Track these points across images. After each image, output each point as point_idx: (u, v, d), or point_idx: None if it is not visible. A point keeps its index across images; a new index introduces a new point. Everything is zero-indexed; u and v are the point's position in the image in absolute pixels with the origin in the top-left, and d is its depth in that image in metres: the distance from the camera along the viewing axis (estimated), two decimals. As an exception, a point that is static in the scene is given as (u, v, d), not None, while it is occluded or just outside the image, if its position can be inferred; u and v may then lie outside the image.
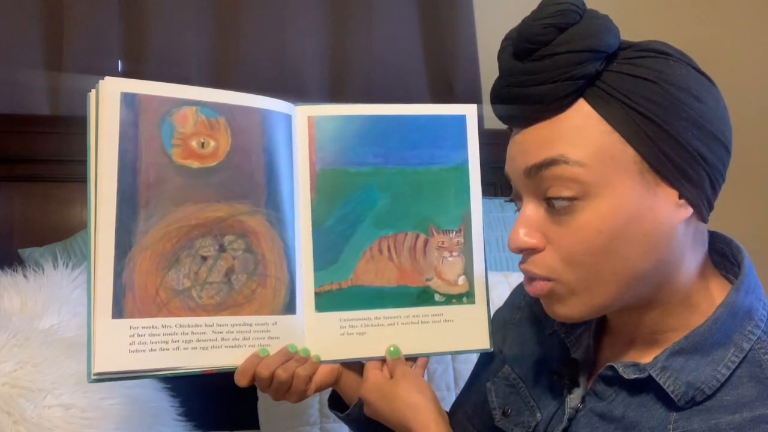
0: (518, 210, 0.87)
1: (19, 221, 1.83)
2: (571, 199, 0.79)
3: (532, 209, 0.84)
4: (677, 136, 0.77)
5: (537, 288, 0.85)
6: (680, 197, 0.79)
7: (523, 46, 0.81)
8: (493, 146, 2.11)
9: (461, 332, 1.11)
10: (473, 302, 1.12)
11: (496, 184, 2.15)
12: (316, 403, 1.53)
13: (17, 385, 1.22)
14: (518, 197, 0.87)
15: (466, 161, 1.13)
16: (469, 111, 1.15)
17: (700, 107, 0.78)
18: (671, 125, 0.77)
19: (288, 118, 1.08)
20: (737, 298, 0.83)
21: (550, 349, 0.99)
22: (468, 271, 1.12)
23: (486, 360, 1.12)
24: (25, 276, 1.55)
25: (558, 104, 0.80)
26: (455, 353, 1.17)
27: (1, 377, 1.22)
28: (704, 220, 0.83)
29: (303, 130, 1.09)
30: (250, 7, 2.09)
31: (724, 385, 0.79)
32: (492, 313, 1.14)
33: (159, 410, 1.44)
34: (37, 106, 1.95)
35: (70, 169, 1.81)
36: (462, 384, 1.48)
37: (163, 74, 1.98)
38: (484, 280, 1.13)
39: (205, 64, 2.08)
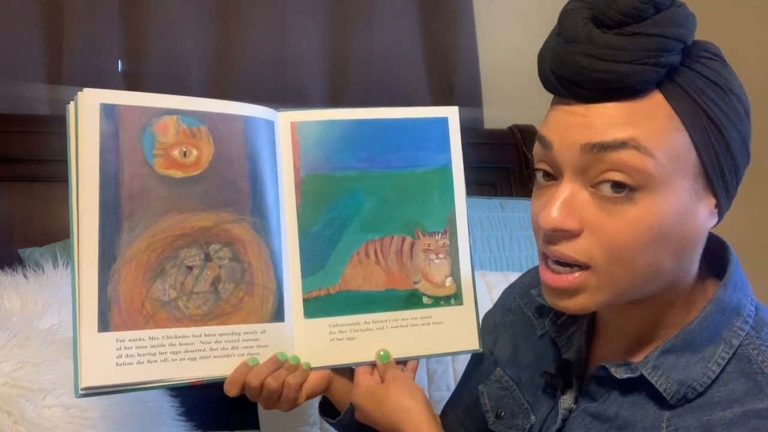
0: (539, 182, 0.80)
1: (19, 221, 1.79)
2: (629, 188, 0.73)
3: (571, 189, 0.76)
4: (732, 147, 0.74)
5: (569, 281, 0.77)
6: (716, 206, 0.77)
7: (613, 15, 0.71)
8: (493, 146, 2.09)
9: (450, 334, 1.09)
10: (461, 303, 1.10)
11: (496, 184, 2.11)
12: (316, 403, 1.48)
13: (17, 385, 1.20)
14: (551, 168, 0.78)
15: (450, 163, 1.10)
16: (450, 113, 1.12)
17: (748, 120, 0.76)
18: (730, 135, 0.74)
19: (270, 125, 1.05)
20: (725, 295, 0.80)
21: (542, 351, 0.97)
22: (455, 273, 1.10)
23: (477, 362, 1.10)
24: (25, 276, 1.52)
25: (636, 88, 0.72)
26: (445, 355, 1.14)
27: (1, 377, 1.19)
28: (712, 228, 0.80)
29: (286, 136, 1.06)
30: (251, 7, 2.05)
31: (715, 381, 0.77)
32: (481, 314, 1.12)
33: (159, 410, 1.41)
34: (37, 106, 1.91)
35: (70, 169, 1.78)
36: (462, 384, 1.47)
37: (162, 74, 1.95)
38: (471, 281, 1.10)
39: (205, 65, 2.04)
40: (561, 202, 0.75)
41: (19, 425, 1.15)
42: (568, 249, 0.76)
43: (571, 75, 0.73)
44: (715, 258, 0.86)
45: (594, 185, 0.74)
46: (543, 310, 0.97)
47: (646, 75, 0.71)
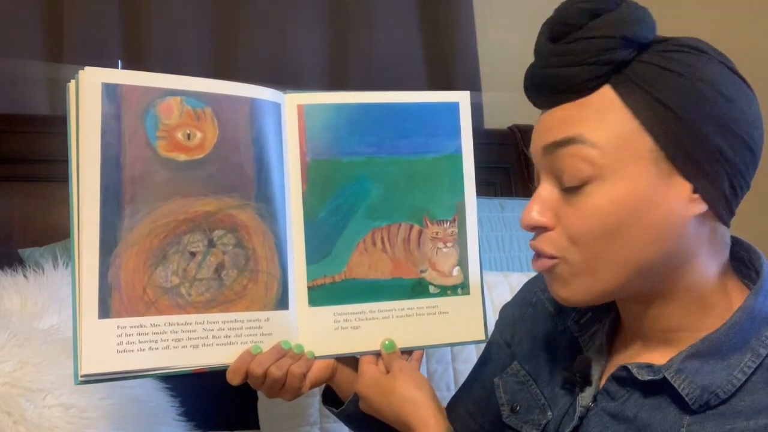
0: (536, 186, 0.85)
1: (19, 221, 1.76)
2: (583, 180, 0.77)
3: (547, 188, 0.81)
4: (697, 130, 0.74)
5: (540, 264, 0.83)
6: (694, 191, 0.76)
7: (557, 28, 0.79)
8: (493, 146, 2.07)
9: (456, 324, 1.07)
10: (468, 293, 1.07)
11: (496, 183, 2.10)
12: (316, 402, 1.48)
13: (17, 385, 1.17)
14: (538, 179, 0.84)
15: (460, 149, 1.08)
16: (462, 98, 1.09)
17: (728, 106, 0.75)
18: (693, 119, 0.74)
19: (277, 107, 1.02)
20: (756, 303, 0.79)
21: (561, 348, 0.95)
22: (462, 262, 1.07)
23: (491, 354, 1.07)
24: (25, 276, 1.49)
25: (583, 87, 0.77)
26: (450, 345, 1.12)
27: (1, 377, 1.17)
28: (723, 221, 0.78)
29: (293, 120, 1.03)
30: (250, 6, 2.04)
31: (740, 390, 0.76)
32: (486, 304, 1.09)
33: (159, 410, 1.38)
34: (37, 106, 1.89)
35: (70, 169, 1.76)
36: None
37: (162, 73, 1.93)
38: (478, 270, 1.08)
39: (205, 64, 2.02)
40: (534, 201, 0.82)
41: (19, 425, 1.13)
42: (539, 242, 0.82)
43: (534, 87, 0.82)
44: (744, 264, 0.85)
45: (559, 182, 0.80)
46: (564, 307, 0.95)
47: (589, 73, 0.76)
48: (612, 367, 0.86)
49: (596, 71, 0.76)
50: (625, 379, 0.82)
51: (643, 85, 0.75)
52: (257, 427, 1.54)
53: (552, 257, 0.81)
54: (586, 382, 0.87)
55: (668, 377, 0.77)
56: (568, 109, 0.79)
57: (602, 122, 0.76)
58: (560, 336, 0.95)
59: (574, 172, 0.77)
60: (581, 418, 0.85)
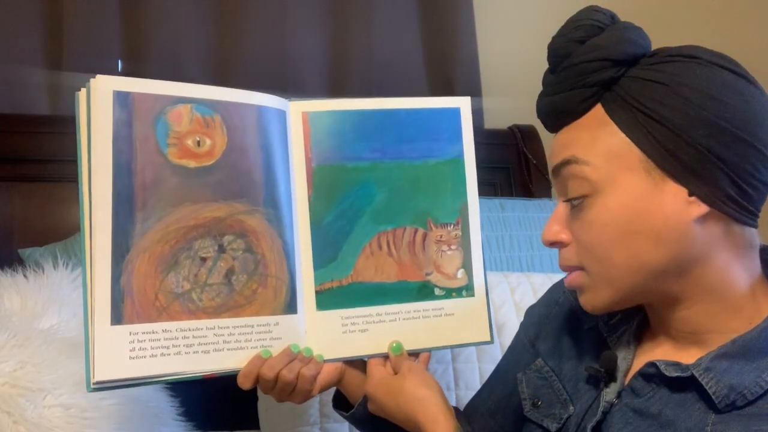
0: None
1: (19, 221, 1.74)
2: (582, 196, 0.81)
3: (562, 206, 0.86)
4: (684, 135, 0.76)
5: (569, 280, 0.87)
6: (690, 194, 0.77)
7: (551, 60, 0.85)
8: (493, 146, 2.06)
9: (462, 326, 1.07)
10: (472, 295, 1.08)
11: (496, 183, 2.09)
12: (316, 403, 1.47)
13: (17, 385, 1.17)
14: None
15: (462, 154, 1.08)
16: (463, 104, 1.10)
17: (717, 107, 0.76)
18: (678, 125, 0.76)
19: (282, 114, 1.02)
20: None
21: (587, 345, 0.95)
22: (467, 264, 1.08)
23: (512, 355, 1.08)
24: (25, 276, 1.48)
25: (575, 110, 0.83)
26: (457, 347, 1.13)
27: (1, 377, 1.16)
28: (741, 221, 0.79)
29: (297, 126, 1.03)
30: (251, 7, 2.02)
31: (767, 393, 0.75)
32: (491, 305, 1.10)
33: (159, 410, 1.37)
34: (37, 106, 1.87)
35: (70, 169, 1.69)
36: (462, 384, 1.46)
37: (163, 74, 1.89)
38: (482, 272, 1.08)
39: (205, 64, 2.01)
40: (551, 219, 0.87)
41: (19, 425, 1.12)
42: (562, 257, 0.87)
43: (541, 116, 0.88)
44: None
45: (568, 200, 0.85)
46: None
47: (576, 97, 0.82)
48: (638, 365, 0.87)
49: (585, 93, 0.81)
50: (651, 375, 0.82)
51: (628, 99, 0.79)
52: (257, 427, 1.53)
53: (577, 268, 0.85)
54: (611, 378, 0.88)
55: (696, 375, 0.77)
56: (566, 132, 0.84)
57: (593, 140, 0.81)
58: (586, 335, 0.96)
59: (574, 190, 0.82)
60: (605, 413, 0.86)
